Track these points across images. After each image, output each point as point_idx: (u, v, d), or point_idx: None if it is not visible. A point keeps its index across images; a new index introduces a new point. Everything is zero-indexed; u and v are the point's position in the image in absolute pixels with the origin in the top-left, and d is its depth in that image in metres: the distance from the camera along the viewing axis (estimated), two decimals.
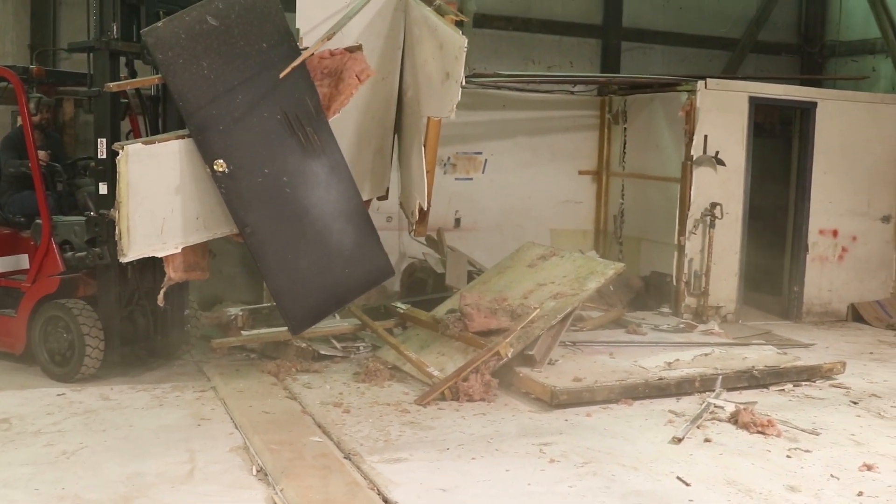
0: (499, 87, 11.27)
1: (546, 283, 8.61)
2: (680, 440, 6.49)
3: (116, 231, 6.79)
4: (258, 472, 5.74)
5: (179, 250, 7.13)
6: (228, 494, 5.37)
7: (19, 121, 8.49)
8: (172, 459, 5.92)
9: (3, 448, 6.08)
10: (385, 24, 8.02)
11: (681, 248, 10.55)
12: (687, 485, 5.69)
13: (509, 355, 7.55)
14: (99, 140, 7.53)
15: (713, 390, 7.63)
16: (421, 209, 7.84)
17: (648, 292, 11.00)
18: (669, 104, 10.83)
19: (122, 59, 7.77)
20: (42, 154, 8.22)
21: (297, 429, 6.53)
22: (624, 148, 11.76)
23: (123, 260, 6.90)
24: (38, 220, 7.97)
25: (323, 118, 7.41)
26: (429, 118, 7.77)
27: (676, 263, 10.63)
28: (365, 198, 8.33)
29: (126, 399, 7.24)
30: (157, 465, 5.80)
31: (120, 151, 6.73)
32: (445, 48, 7.39)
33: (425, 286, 10.31)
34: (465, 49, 7.13)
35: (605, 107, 12.10)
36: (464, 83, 7.17)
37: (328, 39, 7.28)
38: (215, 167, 6.92)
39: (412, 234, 8.29)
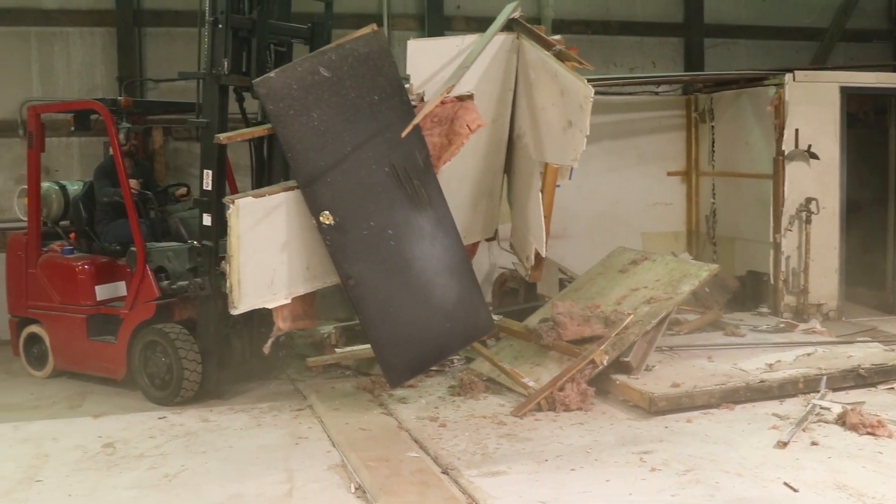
0: None
1: (639, 288, 8.47)
2: (785, 444, 6.29)
3: (227, 284, 6.78)
4: (356, 489, 5.74)
5: (289, 301, 7.10)
6: None
7: (110, 150, 8.72)
8: (271, 479, 5.96)
9: (108, 472, 6.21)
10: (497, 67, 7.91)
11: (777, 246, 10.28)
12: (795, 490, 5.50)
13: (605, 363, 7.44)
14: (205, 171, 7.59)
15: (818, 391, 7.38)
16: (537, 254, 7.72)
17: (745, 293, 10.75)
18: (757, 99, 10.58)
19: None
20: (133, 183, 8.41)
21: (393, 444, 6.52)
22: (712, 146, 11.53)
23: (234, 312, 6.88)
24: (132, 248, 8.15)
25: (431, 172, 7.30)
26: (547, 164, 7.69)
27: (773, 262, 10.35)
28: (474, 240, 8.33)
29: (225, 420, 7.34)
30: (257, 486, 5.84)
31: (231, 206, 6.70)
32: (568, 96, 7.23)
33: (517, 296, 10.24)
34: (592, 99, 6.95)
35: (690, 106, 11.90)
36: (587, 133, 7.00)
37: (447, 93, 7.16)
38: (322, 219, 6.86)
39: (527, 277, 8.14)
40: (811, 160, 10.15)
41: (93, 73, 10.92)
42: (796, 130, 10.11)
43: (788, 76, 10.13)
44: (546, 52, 7.60)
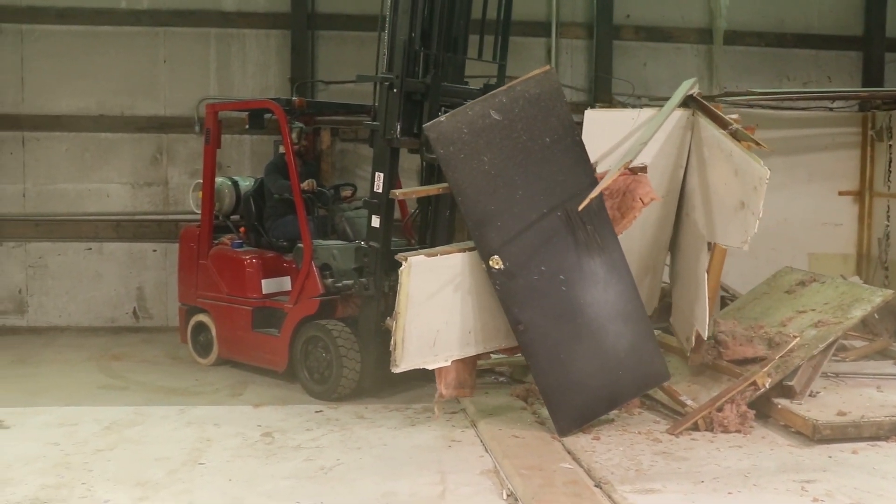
0: (751, 106, 10.87)
1: (806, 311, 8.18)
2: None
3: (392, 341, 6.71)
4: (508, 496, 5.73)
5: (449, 363, 6.99)
6: None
7: (281, 149, 8.99)
8: (424, 480, 6.01)
9: (266, 460, 6.40)
10: (671, 143, 7.78)
11: None
12: None
13: (767, 385, 7.20)
14: (376, 174, 7.73)
15: None
16: (699, 337, 7.57)
17: None
18: None
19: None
20: (306, 184, 8.62)
21: (546, 454, 6.48)
22: (889, 166, 11.05)
23: (395, 370, 6.77)
24: (299, 245, 8.38)
25: (605, 215, 7.13)
26: (715, 244, 7.53)
27: None
28: None
29: (379, 418, 7.45)
30: (410, 485, 5.91)
31: (403, 263, 6.67)
32: (742, 176, 7.03)
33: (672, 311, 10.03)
34: (767, 181, 6.72)
35: (867, 123, 11.44)
36: (760, 215, 6.79)
37: (626, 168, 7.05)
38: (491, 263, 6.73)
39: (688, 361, 7.89)
40: None
41: (266, 74, 11.30)
42: None
43: None
44: (721, 131, 7.38)
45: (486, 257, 6.73)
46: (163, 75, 11.17)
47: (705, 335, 7.40)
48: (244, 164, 11.16)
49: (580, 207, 6.81)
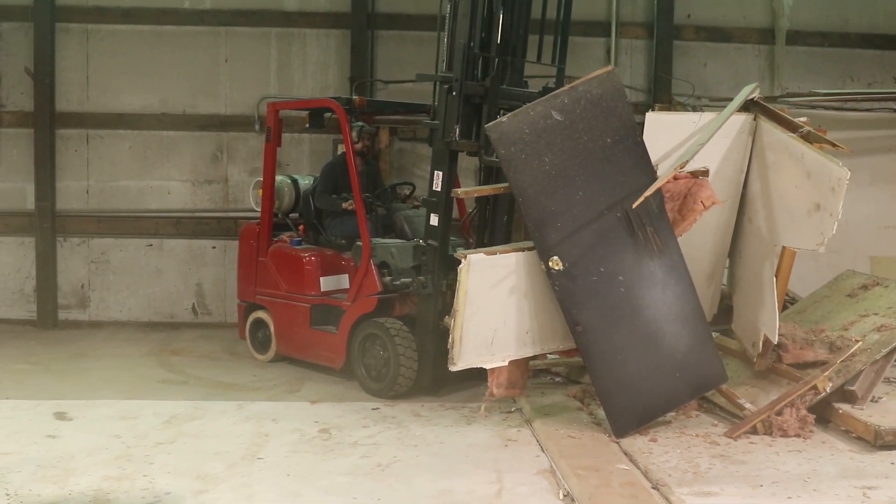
0: (814, 107, 10.70)
1: (868, 315, 8.04)
2: None
3: (450, 339, 6.71)
4: (565, 496, 5.72)
5: (506, 363, 6.96)
6: None
7: (340, 148, 9.05)
8: (480, 479, 6.02)
9: (323, 456, 6.45)
10: (731, 148, 7.73)
11: None
12: None
13: (828, 390, 7.10)
14: (435, 173, 7.75)
15: None
16: (766, 341, 7.46)
17: None
18: None
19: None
20: (346, 205, 8.69)
21: (603, 455, 6.45)
22: None
23: (453, 369, 6.77)
24: (358, 243, 8.43)
25: (664, 217, 7.10)
26: (784, 248, 7.45)
27: None
28: None
29: (435, 416, 7.48)
30: (466, 484, 5.92)
31: (462, 260, 6.68)
32: (816, 178, 6.95)
33: (731, 314, 9.93)
34: (847, 182, 6.65)
35: None
36: (839, 216, 6.71)
37: (680, 169, 6.98)
38: (551, 264, 6.70)
39: (754, 366, 7.80)
40: None
41: (326, 73, 11.39)
42: None
43: None
44: (790, 134, 7.30)
45: (545, 258, 6.70)
46: (224, 74, 11.31)
47: (775, 340, 7.32)
48: (303, 163, 11.26)
49: (634, 205, 6.76)
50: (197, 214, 11.39)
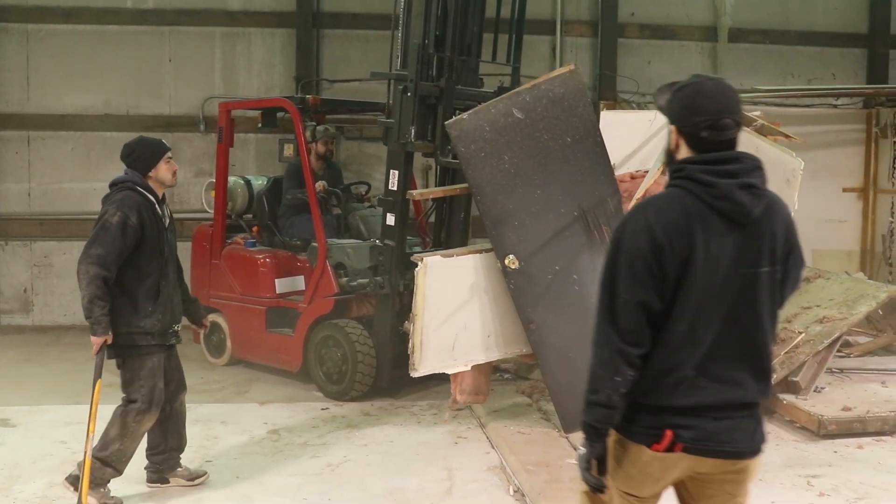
0: (756, 103, 10.83)
1: (811, 307, 8.18)
2: None
3: (410, 344, 6.64)
4: (515, 492, 5.76)
5: (469, 368, 6.84)
6: None
7: (287, 148, 8.98)
8: (431, 476, 6.04)
9: (273, 457, 6.43)
10: None
11: None
12: None
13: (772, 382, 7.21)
14: (391, 172, 7.68)
15: None
16: None
17: None
18: None
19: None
20: (319, 185, 8.60)
21: (553, 450, 6.50)
22: (893, 163, 11.07)
23: (414, 375, 6.65)
24: (313, 244, 8.35)
25: (621, 217, 7.12)
26: None
27: None
28: None
29: (385, 415, 7.48)
30: (417, 481, 5.93)
31: (419, 263, 6.60)
32: (772, 169, 6.71)
33: None
34: (801, 172, 6.73)
35: (871, 120, 11.45)
36: (796, 207, 6.77)
37: (661, 173, 6.88)
38: (507, 263, 6.62)
39: None
40: None
41: (272, 73, 11.32)
42: None
43: None
44: (745, 128, 7.37)
45: (501, 256, 6.65)
46: (168, 74, 11.19)
47: None
48: (249, 163, 11.18)
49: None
50: None
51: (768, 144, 7.11)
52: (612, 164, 7.23)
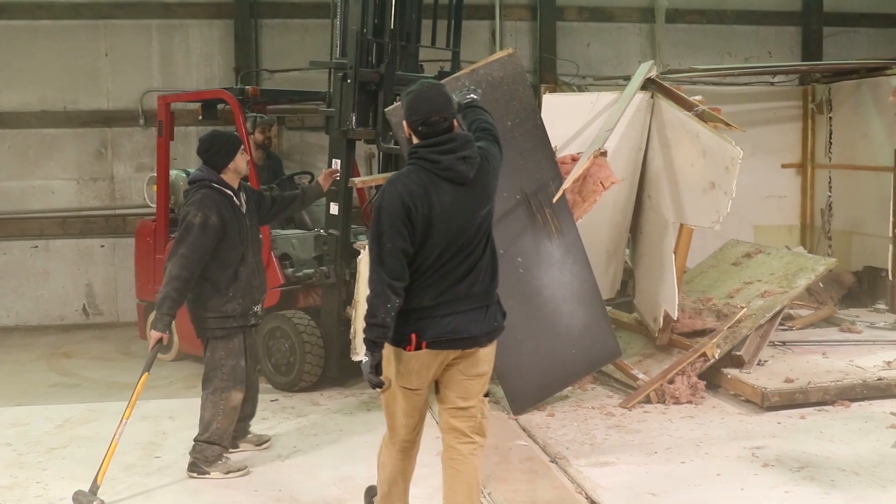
0: (694, 83, 10.96)
1: (752, 282, 8.33)
2: None
3: (352, 329, 6.65)
4: None
5: None
6: (436, 498, 5.42)
7: None
8: None
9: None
10: (630, 127, 7.84)
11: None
12: None
13: (716, 356, 7.34)
14: (333, 161, 7.62)
15: None
16: (668, 317, 7.63)
17: (861, 289, 10.43)
18: (878, 90, 10.23)
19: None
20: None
21: (502, 432, 6.55)
22: (830, 138, 11.22)
23: (355, 359, 6.73)
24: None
25: (563, 200, 7.14)
26: (682, 225, 7.60)
27: (892, 257, 9.99)
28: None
29: (335, 405, 7.47)
30: (367, 469, 5.89)
31: (361, 251, 6.59)
32: (711, 157, 7.08)
33: (626, 288, 10.15)
34: (740, 161, 6.77)
35: (807, 96, 11.58)
36: (733, 195, 6.85)
37: (596, 156, 7.05)
38: None
39: (656, 340, 7.97)
40: None
41: (211, 64, 11.21)
42: None
43: None
44: (686, 113, 7.43)
45: None
46: (105, 68, 11.03)
47: (674, 315, 7.51)
48: (191, 157, 11.04)
49: (554, 200, 6.84)
50: (83, 213, 11.09)
51: (708, 131, 7.20)
52: (553, 146, 7.27)
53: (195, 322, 5.89)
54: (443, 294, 4.26)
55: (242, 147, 5.96)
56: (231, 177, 5.89)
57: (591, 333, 7.28)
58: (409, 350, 4.28)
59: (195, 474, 5.90)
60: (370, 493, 5.08)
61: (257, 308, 6.13)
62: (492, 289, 4.41)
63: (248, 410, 6.31)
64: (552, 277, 7.09)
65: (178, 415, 7.24)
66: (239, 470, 5.93)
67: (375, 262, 4.18)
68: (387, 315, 4.15)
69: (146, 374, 5.85)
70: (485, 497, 5.42)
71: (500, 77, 6.97)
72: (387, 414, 4.56)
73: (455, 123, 4.40)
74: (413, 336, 4.25)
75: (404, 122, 4.41)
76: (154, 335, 5.71)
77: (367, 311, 4.19)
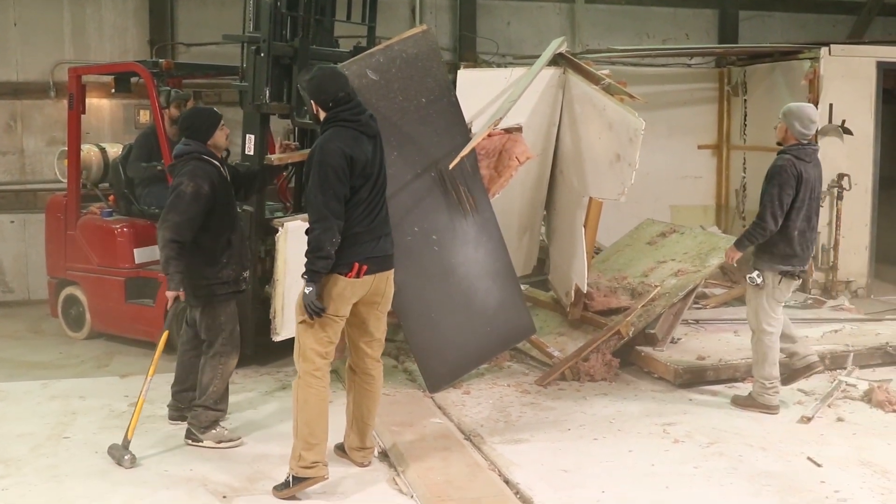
0: (613, 63, 11.06)
1: (667, 261, 8.45)
2: (810, 419, 6.30)
3: (272, 309, 6.61)
4: (379, 453, 5.79)
5: None
6: (351, 476, 5.42)
7: (143, 115, 8.72)
8: None
9: (137, 433, 6.24)
10: (543, 102, 7.80)
11: None
12: (818, 465, 5.51)
13: (630, 334, 7.43)
14: (247, 137, 7.47)
15: (844, 368, 7.35)
16: (577, 290, 7.66)
17: None
18: (791, 73, 10.44)
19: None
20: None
21: (417, 410, 6.56)
22: (745, 120, 11.42)
23: (276, 339, 6.69)
24: None
25: (478, 177, 7.17)
26: (591, 199, 7.61)
27: None
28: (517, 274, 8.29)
29: (250, 383, 7.40)
30: (281, 447, 5.87)
31: (280, 228, 6.55)
32: (616, 129, 7.08)
33: (543, 266, 10.22)
34: (642, 132, 6.76)
35: (723, 79, 11.79)
36: (637, 166, 6.84)
37: (495, 126, 7.03)
38: None
39: (568, 315, 8.02)
40: (845, 136, 10.05)
41: (124, 37, 10.92)
42: (830, 105, 10.01)
43: (824, 50, 10.01)
44: (594, 87, 7.44)
45: None
46: (14, 39, 10.65)
47: (584, 289, 7.59)
48: (104, 131, 10.80)
49: (451, 166, 6.82)
50: None
51: (614, 104, 7.22)
52: (468, 122, 7.26)
53: (192, 289, 5.95)
54: (373, 221, 5.17)
55: (222, 123, 6.10)
56: (213, 149, 6.06)
57: (505, 311, 7.31)
58: (350, 276, 5.09)
59: (190, 441, 6.03)
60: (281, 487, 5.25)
61: (246, 274, 6.32)
62: (388, 220, 5.39)
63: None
64: (467, 255, 7.09)
65: (89, 394, 7.11)
66: (231, 440, 6.03)
67: (321, 206, 4.96)
68: (332, 248, 4.97)
69: (167, 331, 6.19)
70: (398, 475, 5.43)
71: (414, 54, 6.93)
72: (305, 348, 5.16)
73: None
74: (355, 264, 5.09)
75: (312, 102, 5.26)
76: (170, 295, 5.84)
77: (313, 246, 4.97)
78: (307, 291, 5.00)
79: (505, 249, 7.36)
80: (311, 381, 5.15)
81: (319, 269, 4.99)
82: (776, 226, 6.33)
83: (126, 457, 5.65)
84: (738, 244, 6.62)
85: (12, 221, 10.80)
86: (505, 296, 7.32)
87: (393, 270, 5.41)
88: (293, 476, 5.12)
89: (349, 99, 5.18)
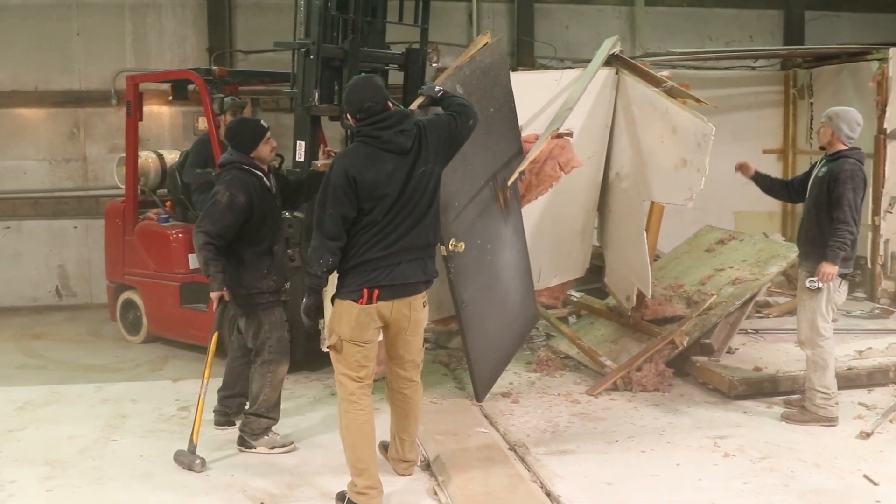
0: (674, 66, 10.84)
1: (724, 268, 8.24)
2: (869, 435, 6.06)
3: (321, 320, 6.54)
4: (422, 461, 5.71)
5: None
6: (389, 484, 5.34)
7: (202, 122, 8.77)
8: (339, 448, 5.87)
9: (181, 434, 6.27)
10: (595, 103, 7.65)
11: (875, 229, 9.84)
12: (875, 484, 5.29)
13: (684, 344, 7.26)
14: (298, 143, 7.45)
15: None
16: (641, 296, 7.54)
17: None
18: (859, 75, 10.13)
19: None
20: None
21: (463, 419, 6.48)
22: (811, 124, 11.12)
23: (324, 349, 6.31)
24: None
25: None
26: (653, 203, 7.47)
27: (871, 245, 9.91)
28: (570, 278, 8.23)
29: (300, 389, 7.39)
30: (323, 455, 5.87)
31: None
32: (681, 133, 6.90)
33: (601, 273, 10.06)
34: (712, 137, 6.58)
35: (788, 81, 11.49)
36: (706, 172, 6.67)
37: (554, 137, 6.89)
38: (451, 246, 6.24)
39: (629, 320, 7.85)
40: None
41: (184, 45, 11.07)
42: None
43: (893, 50, 9.65)
44: (654, 89, 7.26)
45: (444, 240, 6.17)
46: (77, 48, 10.86)
47: (648, 293, 7.43)
48: (164, 137, 10.95)
49: (509, 182, 6.71)
50: (56, 194, 10.98)
51: (678, 107, 7.02)
52: (520, 126, 7.15)
53: (233, 297, 5.98)
54: (391, 246, 4.92)
55: (268, 136, 6.05)
56: (258, 161, 6.05)
57: (524, 305, 7.25)
58: (362, 304, 4.95)
59: (242, 448, 6.04)
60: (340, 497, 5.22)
61: (287, 285, 6.40)
62: (434, 243, 5.16)
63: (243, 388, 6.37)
64: (507, 259, 7.01)
65: (141, 398, 7.18)
66: (284, 446, 6.03)
67: (317, 224, 4.91)
68: (319, 269, 4.91)
69: (216, 333, 6.15)
70: (438, 484, 5.35)
71: (489, 63, 6.75)
72: (338, 374, 5.16)
73: (390, 105, 5.05)
74: (365, 290, 4.93)
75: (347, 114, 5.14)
76: (214, 296, 5.88)
77: (307, 261, 5.00)
78: (304, 302, 5.06)
79: (526, 245, 7.26)
80: (349, 406, 5.11)
81: (312, 284, 4.98)
82: (858, 228, 6.22)
83: (196, 461, 5.70)
84: (833, 258, 6.19)
85: (75, 227, 11.01)
86: (525, 290, 7.25)
87: (421, 295, 5.17)
88: (349, 499, 5.08)
89: (378, 111, 4.96)
